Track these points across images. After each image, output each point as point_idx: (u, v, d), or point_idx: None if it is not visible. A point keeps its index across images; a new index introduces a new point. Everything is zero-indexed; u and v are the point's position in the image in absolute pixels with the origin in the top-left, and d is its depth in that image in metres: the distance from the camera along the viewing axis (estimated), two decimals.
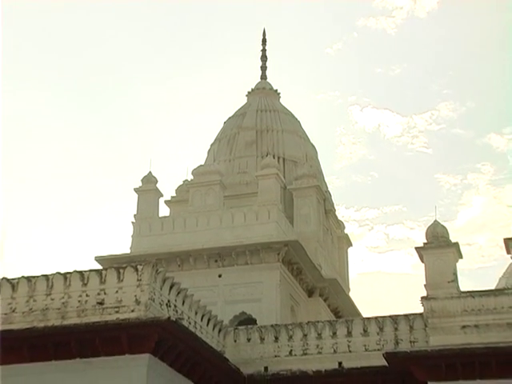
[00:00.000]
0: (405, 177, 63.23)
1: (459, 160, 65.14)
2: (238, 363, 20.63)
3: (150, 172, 28.51)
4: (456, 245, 20.65)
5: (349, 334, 21.10)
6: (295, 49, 60.80)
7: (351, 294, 31.10)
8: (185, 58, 62.43)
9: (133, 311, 17.46)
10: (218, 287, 25.49)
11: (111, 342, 17.15)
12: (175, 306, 18.86)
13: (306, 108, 55.80)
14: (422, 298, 19.93)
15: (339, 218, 32.92)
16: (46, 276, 18.41)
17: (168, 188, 30.72)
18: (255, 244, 25.54)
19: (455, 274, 20.17)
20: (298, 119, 32.92)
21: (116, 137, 61.99)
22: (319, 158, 32.61)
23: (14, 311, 18.14)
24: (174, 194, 30.65)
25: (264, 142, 30.73)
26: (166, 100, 61.44)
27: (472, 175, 65.74)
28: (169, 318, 17.17)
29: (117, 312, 17.54)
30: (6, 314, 18.08)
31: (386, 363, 19.32)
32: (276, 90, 33.80)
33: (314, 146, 32.52)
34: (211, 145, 32.03)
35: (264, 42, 34.35)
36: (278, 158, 30.00)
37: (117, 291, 17.83)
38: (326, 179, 32.92)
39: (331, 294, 28.38)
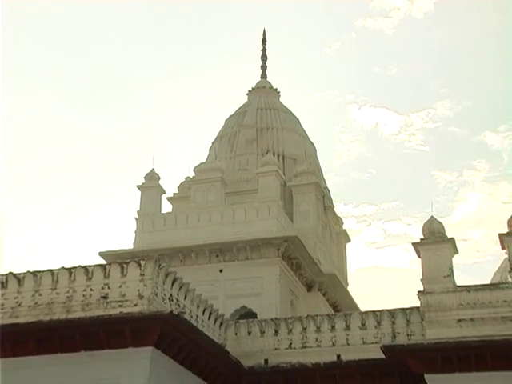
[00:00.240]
0: (402, 174, 63.33)
1: (455, 157, 65.22)
2: (239, 356, 20.65)
3: (152, 169, 28.52)
4: (452, 240, 20.64)
5: (347, 327, 21.12)
6: (295, 49, 60.84)
7: (349, 289, 31.12)
8: (187, 57, 62.45)
9: (136, 305, 17.48)
10: (219, 282, 25.51)
11: (115, 335, 17.18)
12: (177, 300, 18.88)
13: (305, 106, 55.83)
14: (419, 292, 19.92)
15: (338, 214, 32.92)
16: (51, 271, 18.43)
17: (170, 185, 30.78)
18: (255, 240, 25.55)
19: (451, 269, 20.16)
20: (298, 117, 32.93)
21: (119, 135, 62.01)
22: (318, 155, 32.64)
23: (20, 305, 18.17)
24: (176, 191, 30.66)
25: (264, 139, 30.74)
26: (169, 99, 61.47)
27: (468, 172, 65.79)
28: (171, 311, 17.18)
29: (120, 306, 17.56)
30: (12, 307, 18.12)
31: (383, 356, 19.32)
32: (276, 89, 33.79)
33: (313, 144, 32.52)
34: (212, 142, 32.03)
35: (264, 41, 34.34)
36: (278, 155, 30.01)
37: (120, 286, 17.85)
38: (325, 176, 32.94)
39: (330, 288, 28.39)
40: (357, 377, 20.06)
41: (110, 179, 60.54)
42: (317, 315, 22.16)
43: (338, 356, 20.66)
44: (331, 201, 31.86)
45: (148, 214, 27.53)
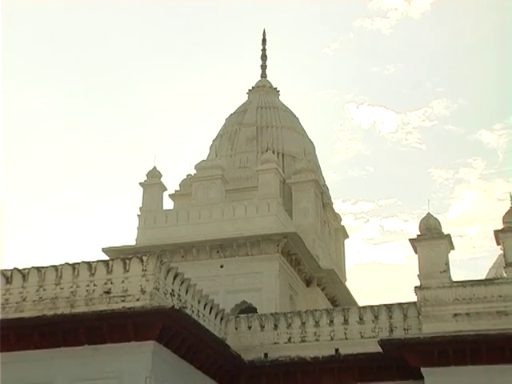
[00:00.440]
0: (399, 171, 63.25)
1: (451, 155, 65.11)
2: (239, 350, 20.68)
3: (154, 167, 28.51)
4: (448, 236, 20.67)
5: (345, 321, 21.15)
6: (294, 48, 60.77)
7: (348, 284, 31.13)
8: (188, 57, 62.38)
9: (138, 300, 17.51)
10: (219, 277, 25.52)
11: (118, 329, 17.20)
12: (179, 295, 18.90)
13: (304, 105, 55.68)
14: (416, 287, 19.95)
15: (336, 210, 32.92)
16: (55, 266, 18.46)
17: (172, 182, 30.77)
18: (255, 236, 25.56)
19: (447, 265, 20.18)
20: (297, 116, 32.90)
21: (122, 134, 61.98)
22: (317, 153, 32.61)
23: (24, 300, 18.20)
24: (178, 188, 30.65)
25: (264, 137, 30.72)
26: (170, 98, 61.44)
27: (463, 170, 65.72)
28: (173, 306, 17.20)
29: (123, 301, 17.59)
30: (17, 302, 18.17)
31: (381, 350, 19.37)
32: (275, 88, 33.77)
33: (311, 142, 32.50)
34: (213, 140, 32.02)
35: (264, 41, 34.29)
36: (278, 153, 29.99)
37: (123, 281, 17.88)
38: (324, 174, 32.92)
39: (328, 283, 28.40)
40: (355, 370, 20.09)
41: (113, 177, 60.59)
42: (315, 310, 22.19)
43: (337, 350, 20.70)
44: (330, 198, 31.86)
45: (150, 210, 27.53)
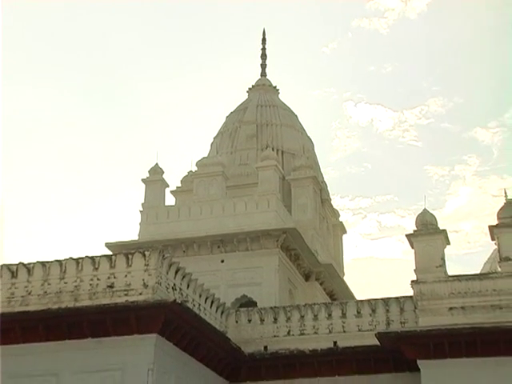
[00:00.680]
0: (396, 168, 63.30)
1: (447, 152, 65.21)
2: (240, 343, 20.69)
3: (156, 164, 28.50)
4: (444, 232, 20.66)
5: (343, 315, 21.16)
6: (293, 48, 60.78)
7: (345, 278, 31.14)
8: (190, 57, 62.40)
9: (141, 294, 17.51)
10: (220, 272, 25.53)
11: (121, 322, 17.22)
12: (180, 289, 18.91)
13: (303, 103, 55.68)
14: (412, 281, 19.95)
15: (334, 206, 32.92)
16: (59, 261, 18.45)
17: (174, 179, 30.83)
18: (255, 231, 25.56)
19: (443, 259, 20.18)
20: (296, 114, 32.88)
21: (125, 132, 61.99)
22: (316, 150, 32.60)
23: (30, 294, 18.20)
24: (180, 185, 30.65)
25: (264, 135, 30.71)
26: (172, 97, 61.45)
27: (459, 167, 65.75)
28: (174, 300, 17.21)
29: (126, 295, 17.59)
30: (22, 296, 18.17)
31: (378, 343, 19.38)
32: (275, 87, 33.74)
33: (310, 139, 32.50)
34: (214, 138, 32.01)
35: (264, 41, 34.26)
36: (277, 150, 29.98)
37: (126, 275, 17.87)
38: (322, 170, 32.91)
39: (327, 278, 28.42)
40: (352, 363, 20.12)
41: (116, 174, 60.52)
42: (314, 304, 22.20)
43: (335, 343, 20.73)
44: (328, 194, 31.87)
45: (152, 206, 27.53)
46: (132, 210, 44.78)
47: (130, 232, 30.14)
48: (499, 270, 20.10)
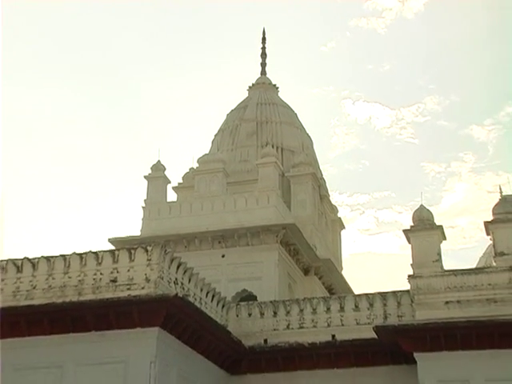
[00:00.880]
0: (393, 165, 63.34)
1: (443, 149, 65.20)
2: (240, 336, 20.72)
3: (158, 160, 28.53)
4: (440, 227, 20.67)
5: (341, 309, 21.18)
6: (293, 47, 60.80)
7: (344, 273, 31.19)
8: (191, 56, 62.41)
9: (143, 288, 17.52)
10: (221, 266, 25.55)
11: (124, 316, 17.23)
12: (182, 283, 18.93)
13: (302, 101, 55.81)
14: (409, 276, 19.96)
15: (333, 202, 32.94)
16: (63, 256, 18.46)
17: (175, 175, 30.80)
18: (256, 227, 25.58)
19: (439, 254, 20.18)
20: (295, 112, 32.89)
21: (128, 129, 62.05)
22: (314, 147, 32.62)
23: (34, 288, 18.21)
24: (181, 181, 30.67)
25: (264, 132, 30.72)
26: (174, 95, 61.55)
27: (455, 163, 65.89)
28: (176, 294, 17.24)
29: (128, 289, 17.60)
30: (27, 290, 18.19)
31: (375, 336, 19.39)
32: (275, 85, 33.75)
33: (309, 137, 32.51)
34: (215, 135, 32.02)
35: (264, 40, 34.26)
36: (277, 147, 29.99)
37: (128, 270, 17.88)
38: (321, 167, 32.93)
39: (325, 272, 28.45)
40: (350, 355, 20.13)
41: (119, 171, 60.66)
42: (313, 298, 22.22)
43: (333, 336, 20.74)
44: (327, 190, 31.89)
45: (154, 202, 27.56)
46: (134, 206, 44.77)
47: (133, 228, 30.29)
48: (494, 264, 20.12)
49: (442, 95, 67.76)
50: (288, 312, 21.51)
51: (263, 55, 34.17)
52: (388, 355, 19.70)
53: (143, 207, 27.67)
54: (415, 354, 18.80)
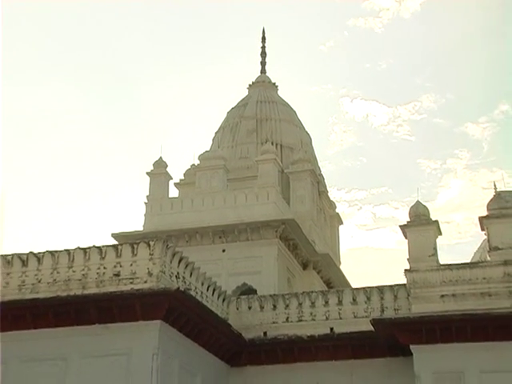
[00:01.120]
0: (390, 162, 63.38)
1: (439, 147, 65.25)
2: (240, 329, 20.75)
3: (160, 157, 28.55)
4: (436, 223, 20.69)
5: (339, 302, 21.20)
6: (292, 46, 60.79)
7: (342, 267, 31.22)
8: (192, 54, 62.37)
9: (146, 282, 17.55)
10: (222, 261, 25.58)
11: (126, 309, 17.26)
12: (183, 277, 18.96)
13: (301, 99, 55.79)
14: (405, 270, 19.98)
15: (331, 198, 32.96)
16: (67, 250, 18.49)
17: (177, 172, 30.83)
18: (255, 222, 25.61)
19: (435, 249, 20.20)
20: (294, 109, 32.90)
21: (130, 126, 62.10)
22: (313, 144, 32.63)
23: (39, 282, 18.24)
24: (183, 177, 30.69)
25: (263, 130, 30.74)
26: (175, 93, 61.49)
27: (450, 160, 65.92)
28: (178, 288, 17.28)
29: (131, 283, 17.63)
30: (32, 284, 18.22)
31: (372, 329, 19.41)
32: (274, 83, 33.75)
33: (308, 134, 32.52)
34: (216, 133, 32.03)
35: (263, 39, 34.25)
36: (276, 144, 30.01)
37: (131, 264, 17.91)
38: (320, 164, 32.96)
39: (324, 267, 28.48)
40: (348, 348, 20.17)
41: (122, 167, 60.62)
42: (312, 291, 22.25)
43: (331, 329, 20.75)
44: (325, 186, 31.91)
45: (156, 198, 27.58)
46: (137, 201, 44.87)
47: (135, 223, 30.34)
48: (489, 259, 20.14)
49: (437, 93, 67.77)
50: (287, 305, 21.53)
51: (263, 54, 34.17)
52: (385, 347, 19.73)
53: (145, 203, 27.69)
54: (411, 347, 18.82)
